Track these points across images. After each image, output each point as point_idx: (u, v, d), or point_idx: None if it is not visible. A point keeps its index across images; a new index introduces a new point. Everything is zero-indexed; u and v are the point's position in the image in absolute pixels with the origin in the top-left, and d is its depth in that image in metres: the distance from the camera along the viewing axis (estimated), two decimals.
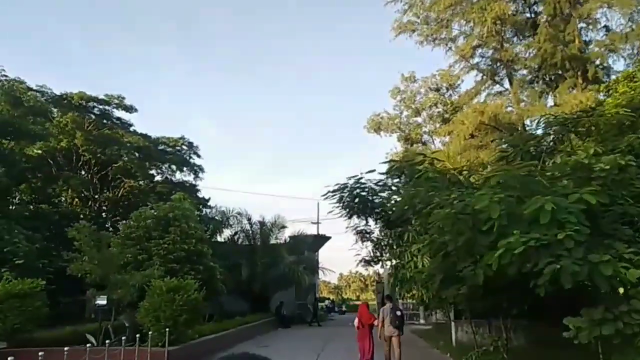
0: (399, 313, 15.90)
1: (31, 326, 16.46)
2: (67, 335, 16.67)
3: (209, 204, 37.53)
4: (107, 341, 15.10)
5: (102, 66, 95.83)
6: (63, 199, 36.33)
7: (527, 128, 32.92)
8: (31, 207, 32.17)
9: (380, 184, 21.66)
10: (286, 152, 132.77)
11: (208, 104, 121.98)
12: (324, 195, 22.24)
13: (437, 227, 12.62)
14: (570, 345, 12.89)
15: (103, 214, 37.72)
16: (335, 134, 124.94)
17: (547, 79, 32.75)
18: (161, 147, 40.31)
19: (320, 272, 36.74)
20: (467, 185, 15.62)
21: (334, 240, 41.25)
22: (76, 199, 36.39)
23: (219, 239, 34.15)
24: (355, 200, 22.05)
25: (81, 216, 32.03)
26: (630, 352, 9.80)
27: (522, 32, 33.83)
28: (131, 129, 38.21)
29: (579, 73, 30.64)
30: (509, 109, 32.57)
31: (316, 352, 19.37)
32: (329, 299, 61.64)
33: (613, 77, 31.58)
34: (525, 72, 33.63)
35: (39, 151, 32.67)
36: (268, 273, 32.38)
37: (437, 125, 37.26)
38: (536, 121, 16.19)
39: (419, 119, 38.44)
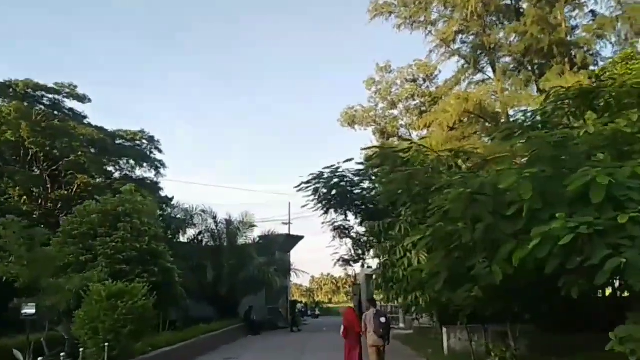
0: (384, 320, 13.31)
1: None
2: None
3: (173, 203, 34.23)
4: (39, 358, 12.60)
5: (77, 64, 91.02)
6: (9, 196, 32.73)
7: (512, 119, 30.91)
8: None
9: (360, 174, 19.12)
10: (259, 153, 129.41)
11: (179, 102, 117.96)
12: (297, 187, 19.65)
13: (440, 215, 10.03)
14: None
15: (56, 212, 34.25)
16: (310, 133, 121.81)
17: (533, 66, 30.67)
18: (119, 141, 36.96)
19: (292, 274, 33.89)
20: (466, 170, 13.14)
21: (306, 240, 38.60)
22: (24, 197, 32.84)
23: (183, 239, 31.18)
24: (333, 192, 19.45)
25: (34, 215, 28.72)
26: None
27: (506, 17, 31.75)
28: (85, 121, 34.80)
29: (566, 60, 28.66)
30: (493, 98, 30.42)
31: None
32: (301, 302, 58.75)
33: (602, 63, 29.92)
34: (508, 59, 31.52)
35: None
36: (236, 275, 29.41)
37: (414, 118, 34.89)
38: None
39: (395, 112, 36.11)
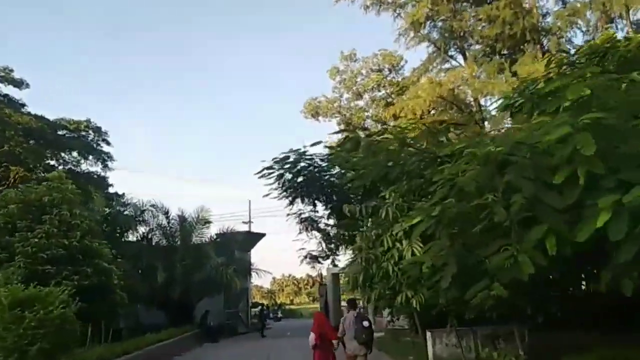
0: (366, 324, 10.78)
1: None
2: None
3: (121, 199, 30.71)
4: None
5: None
6: None
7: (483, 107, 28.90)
8: None
9: (329, 159, 16.42)
10: (218, 152, 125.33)
11: (136, 103, 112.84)
12: (258, 173, 16.75)
13: (446, 190, 7.45)
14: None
15: None
16: (272, 127, 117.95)
17: (505, 52, 28.67)
18: (62, 132, 33.30)
19: (253, 274, 30.87)
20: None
21: (267, 240, 35.86)
22: None
23: (133, 238, 27.86)
24: (299, 178, 16.68)
25: None
26: None
27: (475, 2, 29.70)
28: (24, 109, 31.07)
29: (538, 46, 26.81)
30: (464, 85, 28.27)
31: None
32: (262, 304, 55.53)
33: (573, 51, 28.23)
34: (479, 47, 29.46)
35: None
36: (190, 277, 26.27)
37: (381, 110, 32.47)
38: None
39: (361, 102, 33.49)
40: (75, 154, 33.22)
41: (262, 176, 16.67)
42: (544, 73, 12.08)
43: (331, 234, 17.43)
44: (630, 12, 26.14)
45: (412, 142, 11.23)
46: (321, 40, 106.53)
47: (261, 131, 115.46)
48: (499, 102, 12.33)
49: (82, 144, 33.62)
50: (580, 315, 13.40)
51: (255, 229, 38.86)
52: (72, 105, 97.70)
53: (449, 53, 30.21)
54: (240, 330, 30.96)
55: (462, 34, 29.02)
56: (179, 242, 27.73)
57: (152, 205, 27.40)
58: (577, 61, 12.04)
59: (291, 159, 15.39)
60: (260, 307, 34.10)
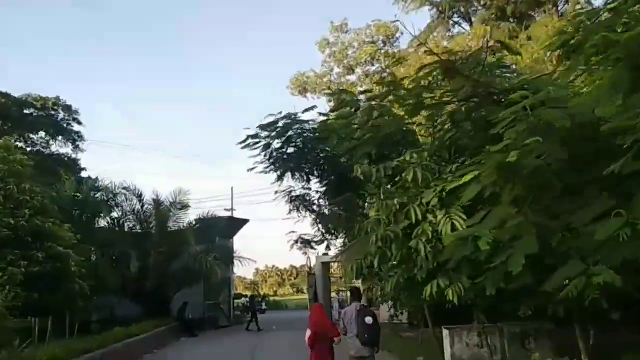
0: (369, 320, 8.87)
1: None
2: None
3: (94, 183, 27.90)
4: None
5: None
6: None
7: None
8: None
9: (327, 125, 13.98)
10: (201, 137, 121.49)
11: (116, 88, 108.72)
12: (242, 143, 14.27)
13: (524, 128, 5.11)
14: None
15: None
16: (258, 108, 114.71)
17: (516, 17, 26.21)
18: (29, 110, 30.42)
19: (236, 263, 28.30)
20: None
21: (251, 228, 33.33)
22: None
23: (104, 224, 25.18)
24: (290, 149, 14.23)
25: None
26: None
27: None
28: None
29: (554, 9, 24.53)
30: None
31: None
32: (246, 295, 52.96)
33: None
34: (486, 12, 26.99)
35: None
36: (167, 266, 23.74)
37: (375, 85, 29.94)
38: None
39: (353, 78, 30.84)
40: (43, 134, 30.44)
41: (246, 146, 14.23)
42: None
43: (327, 212, 15.04)
44: None
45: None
46: (311, 11, 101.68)
47: (246, 112, 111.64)
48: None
49: (51, 123, 30.85)
50: None
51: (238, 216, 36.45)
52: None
53: (454, 19, 27.82)
54: (221, 323, 28.47)
55: None
56: (154, 228, 25.12)
57: (125, 188, 24.73)
58: None
59: (280, 125, 12.93)
60: (250, 297, 31.57)
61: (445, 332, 12.51)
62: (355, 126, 12.68)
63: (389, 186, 7.83)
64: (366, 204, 10.74)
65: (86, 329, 20.49)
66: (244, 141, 14.12)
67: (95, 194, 24.90)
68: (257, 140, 14.03)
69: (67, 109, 31.25)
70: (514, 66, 12.56)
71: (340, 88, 31.12)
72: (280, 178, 14.82)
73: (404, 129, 10.11)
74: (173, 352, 18.94)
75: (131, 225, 25.69)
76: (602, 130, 4.59)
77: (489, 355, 10.97)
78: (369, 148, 10.81)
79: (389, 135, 9.62)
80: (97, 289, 21.06)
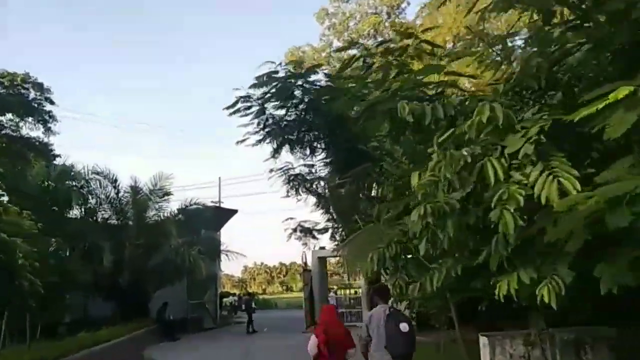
0: (405, 327, 6.82)
1: None
2: None
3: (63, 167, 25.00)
4: None
5: None
6: None
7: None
8: None
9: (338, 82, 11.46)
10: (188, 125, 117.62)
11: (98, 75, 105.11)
12: (229, 107, 11.65)
13: None
14: None
15: None
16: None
17: None
18: None
19: (224, 258, 25.63)
20: None
21: (238, 221, 30.68)
22: None
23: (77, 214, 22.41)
24: (290, 114, 11.61)
25: None
26: None
27: None
28: None
29: None
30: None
31: None
32: (234, 294, 50.13)
33: None
34: None
35: None
36: (145, 260, 21.07)
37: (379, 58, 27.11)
38: None
39: (354, 52, 27.99)
40: (9, 115, 27.48)
41: (234, 112, 11.59)
42: None
43: (333, 192, 12.46)
44: None
45: None
46: None
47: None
48: None
49: (20, 102, 27.90)
50: None
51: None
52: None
53: None
54: (206, 324, 25.81)
55: None
56: (131, 218, 22.41)
57: (97, 173, 21.89)
58: None
59: (281, 77, 10.28)
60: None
61: (484, 341, 9.95)
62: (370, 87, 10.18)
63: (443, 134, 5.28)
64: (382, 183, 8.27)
65: (52, 331, 18.00)
66: (233, 105, 11.50)
67: (67, 181, 22.15)
68: (249, 103, 11.41)
69: (38, 87, 28.32)
70: None
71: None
72: (276, 151, 12.23)
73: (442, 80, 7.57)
74: None
75: (106, 216, 22.94)
76: None
77: None
78: (392, 104, 8.28)
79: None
80: (65, 286, 18.52)
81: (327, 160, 12.01)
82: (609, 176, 3.93)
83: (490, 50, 6.86)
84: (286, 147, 12.10)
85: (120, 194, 22.50)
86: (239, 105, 11.50)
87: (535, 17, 5.96)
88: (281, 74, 10.85)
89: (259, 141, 12.00)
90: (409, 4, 27.17)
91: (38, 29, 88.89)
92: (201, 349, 18.84)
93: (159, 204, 22.78)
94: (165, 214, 22.99)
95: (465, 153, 4.80)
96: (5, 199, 16.21)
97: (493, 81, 7.17)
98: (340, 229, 14.05)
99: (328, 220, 14.02)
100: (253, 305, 41.72)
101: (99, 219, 22.54)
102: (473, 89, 8.59)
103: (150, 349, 18.23)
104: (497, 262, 5.33)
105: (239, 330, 26.15)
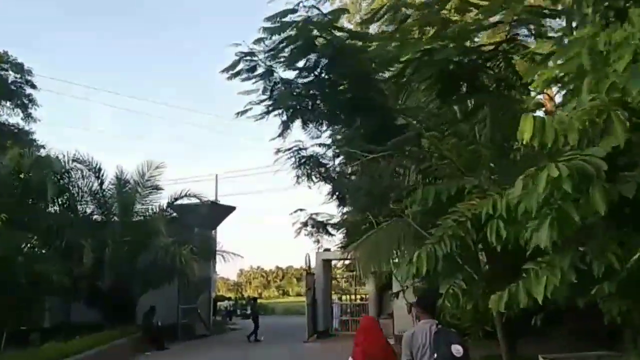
0: (458, 350, 4.95)
1: None
2: None
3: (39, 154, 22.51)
4: None
5: None
6: None
7: None
8: None
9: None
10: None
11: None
12: (227, 70, 9.35)
13: None
14: None
15: None
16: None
17: None
18: None
19: (219, 259, 23.18)
20: None
21: (233, 220, 28.20)
22: None
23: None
24: (306, 74, 9.29)
25: None
26: None
27: None
28: None
29: None
30: None
31: None
32: (229, 298, 47.74)
33: None
34: None
35: None
36: (131, 260, 18.68)
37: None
38: None
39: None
40: None
41: (234, 74, 9.27)
42: None
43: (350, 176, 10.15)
44: None
45: None
46: None
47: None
48: None
49: None
50: None
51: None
52: None
53: None
54: (199, 331, 23.37)
55: None
56: (115, 213, 20.04)
57: (77, 160, 19.50)
58: None
59: (298, 19, 7.92)
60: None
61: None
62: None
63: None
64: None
65: (23, 339, 15.80)
66: (233, 66, 9.18)
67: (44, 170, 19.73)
68: (253, 62, 9.09)
69: (19, 68, 26.01)
70: None
71: None
72: (286, 126, 9.90)
73: None
74: None
75: (89, 210, 20.54)
76: None
77: None
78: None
79: None
80: (36, 288, 16.24)
81: (348, 133, 9.66)
82: None
83: None
84: (296, 125, 9.78)
85: (104, 185, 20.14)
86: (241, 65, 9.17)
87: None
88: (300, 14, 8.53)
89: (265, 113, 9.66)
90: None
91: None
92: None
93: (147, 197, 20.39)
94: (154, 209, 20.59)
95: None
96: None
97: None
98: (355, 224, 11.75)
99: (344, 213, 11.70)
100: (248, 310, 39.60)
101: (80, 214, 20.16)
102: None
103: None
104: None
105: (234, 338, 23.83)
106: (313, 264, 22.17)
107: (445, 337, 5.16)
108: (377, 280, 20.37)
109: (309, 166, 10.30)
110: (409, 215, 9.97)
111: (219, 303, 37.73)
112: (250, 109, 9.70)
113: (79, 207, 20.09)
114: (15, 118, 26.14)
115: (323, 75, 8.64)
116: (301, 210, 12.71)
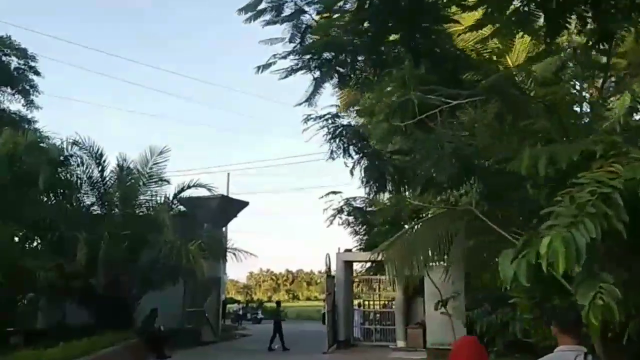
0: None
1: None
2: None
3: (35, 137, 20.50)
4: None
5: None
6: None
7: None
8: None
9: None
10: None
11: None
12: (246, 10, 7.23)
13: None
14: None
15: None
16: None
17: None
18: None
19: (229, 258, 20.96)
20: None
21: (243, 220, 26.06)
22: None
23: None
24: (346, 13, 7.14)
25: None
26: None
27: None
28: None
29: None
30: None
31: None
32: (239, 301, 45.54)
33: None
34: None
35: None
36: (130, 256, 16.66)
37: None
38: None
39: None
40: None
41: (254, 16, 7.18)
42: None
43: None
44: None
45: None
46: None
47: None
48: None
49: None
50: None
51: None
52: None
53: None
54: (205, 337, 21.17)
55: None
56: (116, 204, 17.99)
57: (75, 143, 17.48)
58: None
59: None
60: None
61: None
62: None
63: None
64: None
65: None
66: (254, 5, 7.08)
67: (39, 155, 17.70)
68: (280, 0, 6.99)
69: (22, 52, 24.22)
70: None
71: None
72: (318, 85, 7.74)
73: None
74: None
75: (88, 202, 18.50)
76: None
77: None
78: None
79: None
80: (18, 285, 14.29)
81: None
82: None
83: None
84: (327, 92, 7.67)
85: (105, 174, 18.10)
86: (263, 4, 7.07)
87: None
88: None
89: (293, 70, 7.52)
90: None
91: None
92: None
93: (151, 187, 18.31)
94: (159, 201, 18.50)
95: None
96: None
97: None
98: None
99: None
100: (259, 315, 37.39)
101: (80, 205, 18.15)
102: None
103: None
104: None
105: (245, 345, 21.72)
106: (334, 266, 19.94)
107: None
108: (405, 285, 18.24)
109: (345, 138, 8.14)
110: (472, 200, 7.83)
111: (228, 306, 35.73)
112: (274, 62, 7.60)
113: (77, 197, 18.04)
114: (16, 105, 24.37)
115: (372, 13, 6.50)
116: (335, 193, 10.48)
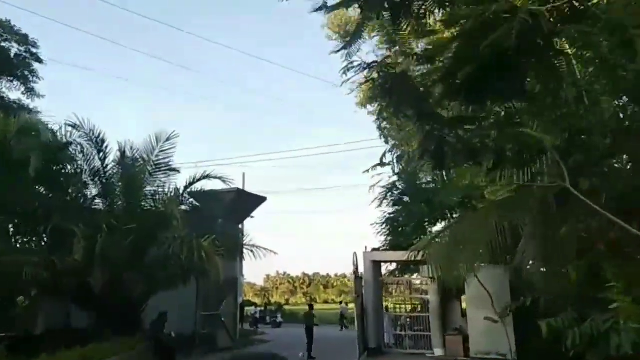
0: None
1: None
2: None
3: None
4: None
5: None
6: None
7: None
8: None
9: None
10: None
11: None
12: None
13: None
14: None
15: None
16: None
17: None
18: None
19: (248, 255, 18.83)
20: None
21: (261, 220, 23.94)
22: None
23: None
24: None
25: None
26: None
27: None
28: None
29: None
30: None
31: None
32: (255, 304, 43.48)
33: None
34: None
35: None
36: (134, 253, 14.71)
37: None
38: None
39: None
40: None
41: None
42: None
43: None
44: None
45: None
46: None
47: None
48: None
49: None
50: None
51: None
52: None
53: None
54: (221, 344, 19.14)
55: None
56: (119, 195, 16.08)
57: (73, 126, 15.56)
58: None
59: None
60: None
61: None
62: None
63: None
64: None
65: None
66: None
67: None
68: None
69: (23, 38, 22.64)
70: None
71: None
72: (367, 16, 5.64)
73: None
74: None
75: (88, 193, 16.61)
76: None
77: None
78: None
79: None
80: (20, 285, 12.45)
81: None
82: None
83: None
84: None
85: (107, 161, 16.18)
86: None
87: None
88: None
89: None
90: None
91: None
92: None
93: (158, 177, 16.34)
94: (168, 192, 16.54)
95: None
96: None
97: None
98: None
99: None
100: (278, 318, 35.31)
101: (78, 195, 16.27)
102: None
103: None
104: None
105: (264, 353, 19.66)
106: (362, 267, 17.83)
107: None
108: (442, 287, 16.21)
109: (397, 93, 6.04)
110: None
111: (246, 308, 33.80)
112: None
113: (78, 187, 16.18)
114: (16, 93, 22.75)
115: None
116: (382, 165, 8.20)
